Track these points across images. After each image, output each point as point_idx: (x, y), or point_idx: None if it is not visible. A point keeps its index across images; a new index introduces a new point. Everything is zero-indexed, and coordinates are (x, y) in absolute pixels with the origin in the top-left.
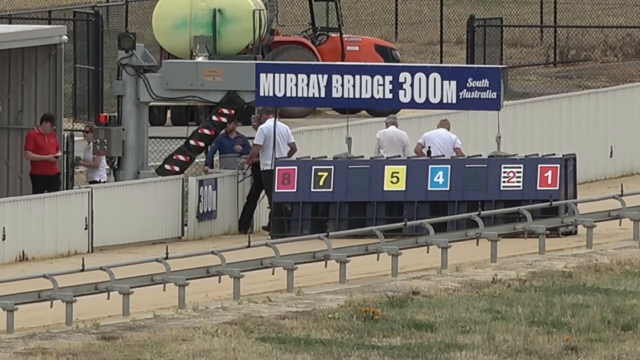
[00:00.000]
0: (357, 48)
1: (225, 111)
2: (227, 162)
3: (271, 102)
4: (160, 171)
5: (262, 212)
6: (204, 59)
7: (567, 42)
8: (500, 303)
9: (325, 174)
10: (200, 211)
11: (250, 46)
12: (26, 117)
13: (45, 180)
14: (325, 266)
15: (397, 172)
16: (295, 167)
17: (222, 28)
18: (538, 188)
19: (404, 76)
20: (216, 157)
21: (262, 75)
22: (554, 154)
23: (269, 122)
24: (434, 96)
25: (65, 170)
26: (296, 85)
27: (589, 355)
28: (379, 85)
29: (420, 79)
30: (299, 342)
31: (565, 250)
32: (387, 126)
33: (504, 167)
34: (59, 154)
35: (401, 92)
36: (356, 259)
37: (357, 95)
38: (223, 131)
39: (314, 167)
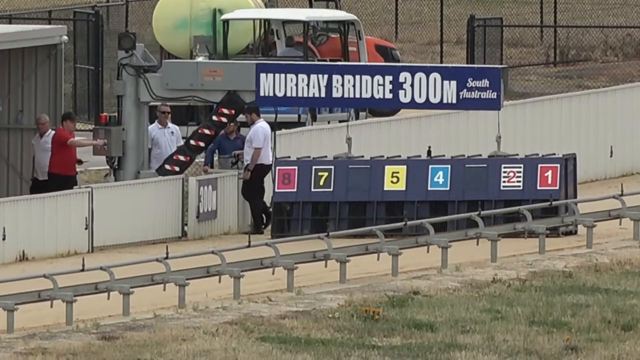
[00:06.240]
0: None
1: (226, 111)
2: (225, 163)
3: (271, 102)
4: (160, 171)
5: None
6: (204, 59)
7: (567, 42)
8: (501, 303)
9: (326, 173)
10: (201, 211)
11: (250, 46)
12: (26, 117)
13: (63, 180)
14: (326, 266)
15: (397, 172)
16: (296, 167)
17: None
18: (538, 188)
19: (404, 76)
20: (215, 158)
21: (262, 75)
22: (554, 154)
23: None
24: (434, 96)
25: None
26: (296, 85)
27: (589, 355)
28: (379, 85)
29: (420, 79)
30: (299, 342)
31: (566, 250)
32: None
33: (504, 167)
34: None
35: (401, 92)
36: (356, 258)
37: (357, 95)
38: (223, 132)
39: (314, 167)
